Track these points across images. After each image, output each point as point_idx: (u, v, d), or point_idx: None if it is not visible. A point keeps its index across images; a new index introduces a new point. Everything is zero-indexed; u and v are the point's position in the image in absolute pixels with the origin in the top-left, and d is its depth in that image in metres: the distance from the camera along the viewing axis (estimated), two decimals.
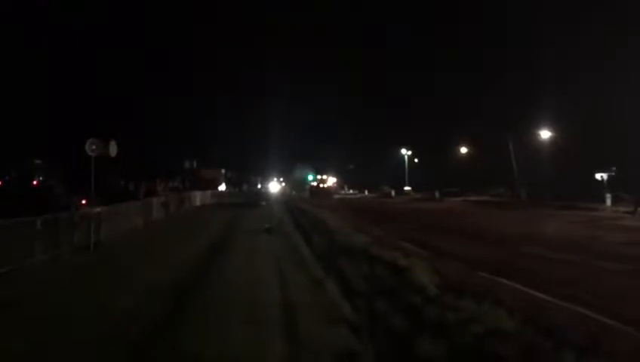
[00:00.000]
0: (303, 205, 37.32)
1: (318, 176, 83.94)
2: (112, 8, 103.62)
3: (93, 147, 17.52)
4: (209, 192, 51.84)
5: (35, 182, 41.35)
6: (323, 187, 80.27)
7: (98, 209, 16.37)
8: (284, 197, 62.01)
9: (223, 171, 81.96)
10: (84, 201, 18.57)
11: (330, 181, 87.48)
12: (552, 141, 47.88)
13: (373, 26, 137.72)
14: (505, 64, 73.26)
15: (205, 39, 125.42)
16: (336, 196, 74.31)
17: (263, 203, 44.91)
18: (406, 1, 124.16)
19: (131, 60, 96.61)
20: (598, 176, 39.33)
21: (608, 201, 34.58)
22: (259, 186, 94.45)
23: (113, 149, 18.73)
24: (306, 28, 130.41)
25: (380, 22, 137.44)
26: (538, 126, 49.24)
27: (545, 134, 48.57)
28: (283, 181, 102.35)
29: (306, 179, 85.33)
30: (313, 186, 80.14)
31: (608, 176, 38.50)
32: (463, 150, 72.46)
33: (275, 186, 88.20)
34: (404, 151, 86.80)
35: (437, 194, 61.27)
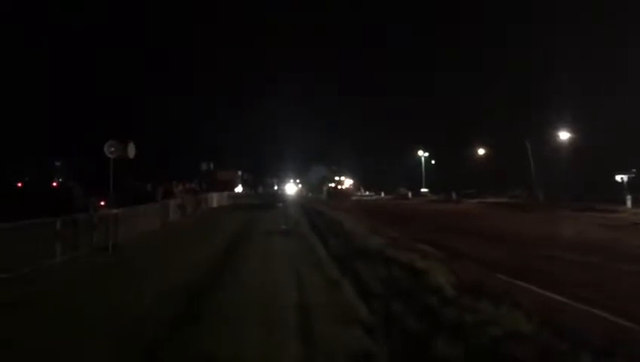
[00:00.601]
0: (319, 207, 37.35)
1: (336, 178, 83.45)
2: (112, 8, 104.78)
3: (112, 149, 17.67)
4: (225, 194, 52.07)
5: (54, 184, 41.88)
6: (341, 189, 79.89)
7: (116, 210, 16.50)
8: (300, 199, 62.03)
9: (240, 173, 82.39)
10: (102, 203, 18.74)
11: (347, 183, 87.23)
12: (571, 142, 47.41)
13: (373, 26, 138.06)
14: (515, 65, 73.02)
15: (205, 39, 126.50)
16: (353, 198, 74.13)
17: (280, 204, 44.89)
18: (406, 1, 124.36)
19: (131, 60, 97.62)
20: (618, 177, 38.83)
21: (628, 203, 34.06)
22: (275, 188, 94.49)
23: (131, 151, 18.85)
24: (306, 28, 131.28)
25: (380, 22, 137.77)
26: (555, 127, 48.82)
27: (564, 135, 48.09)
28: (299, 182, 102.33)
29: (322, 180, 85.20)
30: (331, 188, 79.84)
31: (628, 178, 37.98)
32: (481, 151, 72.03)
33: (291, 188, 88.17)
34: (420, 152, 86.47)
35: (454, 195, 60.89)
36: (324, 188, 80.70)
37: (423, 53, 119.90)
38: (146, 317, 7.54)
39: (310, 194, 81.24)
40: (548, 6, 75.17)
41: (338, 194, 73.38)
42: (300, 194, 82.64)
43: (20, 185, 41.47)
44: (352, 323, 6.81)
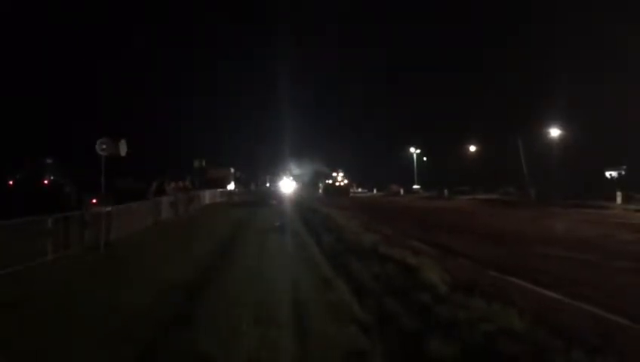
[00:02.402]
0: (313, 204, 37.31)
1: (334, 174, 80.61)
2: (112, 8, 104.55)
3: (104, 146, 17.51)
4: (218, 191, 51.84)
5: (45, 181, 41.59)
6: (339, 185, 76.47)
7: (108, 208, 16.40)
8: (295, 197, 61.88)
9: (232, 170, 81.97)
10: (94, 200, 18.62)
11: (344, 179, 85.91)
12: (562, 139, 47.65)
13: (374, 25, 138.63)
14: (512, 65, 73.22)
15: (205, 39, 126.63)
16: (350, 195, 73.29)
17: (273, 202, 44.75)
18: (406, 0, 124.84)
19: (131, 60, 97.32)
20: (607, 174, 39.08)
21: (619, 199, 34.34)
22: (267, 185, 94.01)
23: (123, 148, 18.70)
24: (306, 28, 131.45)
25: (380, 22, 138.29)
26: (547, 125, 49.05)
27: (555, 132, 48.29)
28: (293, 179, 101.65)
29: (318, 176, 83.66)
30: (328, 184, 77.16)
31: (618, 175, 38.23)
32: (472, 148, 72.32)
33: (285, 185, 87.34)
34: (412, 149, 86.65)
35: (446, 192, 61.05)
36: (320, 185, 79.17)
37: (422, 52, 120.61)
38: (136, 316, 7.52)
39: (304, 192, 79.98)
40: (548, 6, 75.48)
41: (337, 191, 71.40)
42: (294, 191, 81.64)
43: (10, 183, 41.15)
44: (346, 320, 6.80)
